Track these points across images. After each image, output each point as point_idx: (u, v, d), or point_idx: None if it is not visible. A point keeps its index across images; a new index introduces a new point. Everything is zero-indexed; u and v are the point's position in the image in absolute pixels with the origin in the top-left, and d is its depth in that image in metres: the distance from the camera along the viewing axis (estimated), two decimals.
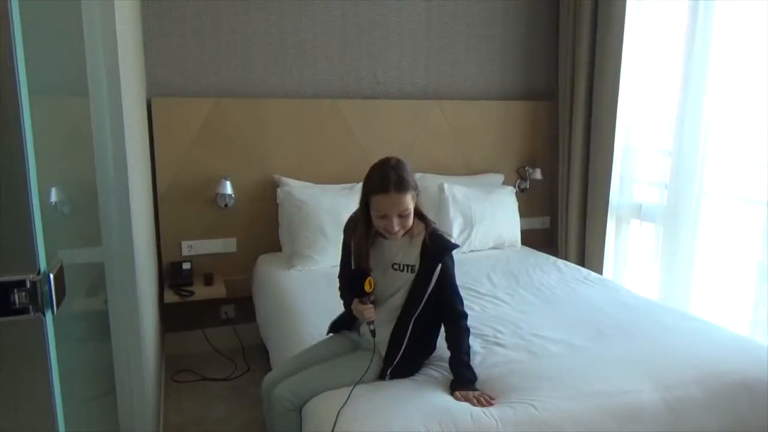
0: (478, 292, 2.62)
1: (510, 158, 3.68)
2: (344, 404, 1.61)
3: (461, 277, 2.76)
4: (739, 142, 2.70)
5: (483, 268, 2.97)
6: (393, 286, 1.85)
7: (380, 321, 1.82)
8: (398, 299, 1.84)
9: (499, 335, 2.10)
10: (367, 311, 1.78)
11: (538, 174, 3.66)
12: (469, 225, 3.25)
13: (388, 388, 1.75)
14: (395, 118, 3.37)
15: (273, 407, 1.73)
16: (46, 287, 0.76)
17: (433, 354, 1.95)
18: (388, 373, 1.80)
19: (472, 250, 3.27)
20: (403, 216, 1.74)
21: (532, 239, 3.63)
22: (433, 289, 1.80)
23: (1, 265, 0.75)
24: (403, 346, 1.81)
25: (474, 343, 2.01)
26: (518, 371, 1.84)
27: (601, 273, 3.30)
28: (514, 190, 3.54)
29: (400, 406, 1.65)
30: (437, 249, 1.80)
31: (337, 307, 2.03)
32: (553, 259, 3.18)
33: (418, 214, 1.83)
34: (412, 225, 1.81)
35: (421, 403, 1.66)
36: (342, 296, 2.00)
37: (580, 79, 3.41)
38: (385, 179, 1.72)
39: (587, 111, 3.44)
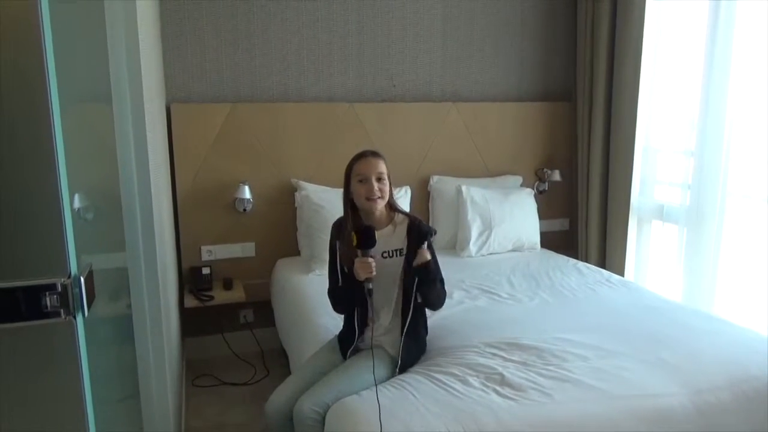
0: (498, 294, 2.59)
1: (528, 160, 3.65)
2: (379, 411, 1.60)
3: (481, 280, 2.78)
4: (764, 142, 2.64)
5: (503, 270, 2.94)
6: (388, 274, 1.94)
7: (385, 312, 1.96)
8: (397, 286, 1.95)
9: (521, 339, 2.08)
10: (369, 266, 1.81)
11: (557, 175, 3.62)
12: (488, 227, 3.23)
13: (409, 389, 1.74)
14: (412, 120, 3.36)
15: (301, 423, 1.73)
16: (77, 290, 0.77)
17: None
18: (398, 366, 1.89)
19: (491, 253, 3.25)
20: (380, 180, 1.90)
21: (551, 241, 3.59)
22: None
23: (32, 269, 0.76)
24: (407, 327, 1.92)
25: (495, 347, 2.00)
26: (543, 374, 1.81)
27: (622, 275, 3.26)
28: (533, 192, 3.51)
29: (421, 406, 1.64)
30: (420, 229, 1.95)
31: None
32: (573, 261, 3.15)
33: (397, 208, 2.02)
34: (393, 216, 1.99)
35: (443, 404, 1.65)
36: (337, 308, 2.04)
37: (599, 79, 3.38)
38: (362, 151, 1.97)
39: (606, 111, 3.40)
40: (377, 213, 1.94)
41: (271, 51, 3.16)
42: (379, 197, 1.90)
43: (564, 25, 3.65)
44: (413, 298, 1.91)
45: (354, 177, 1.92)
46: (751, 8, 2.63)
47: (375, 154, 1.95)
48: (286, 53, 3.19)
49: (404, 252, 1.94)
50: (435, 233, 2.02)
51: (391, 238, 1.96)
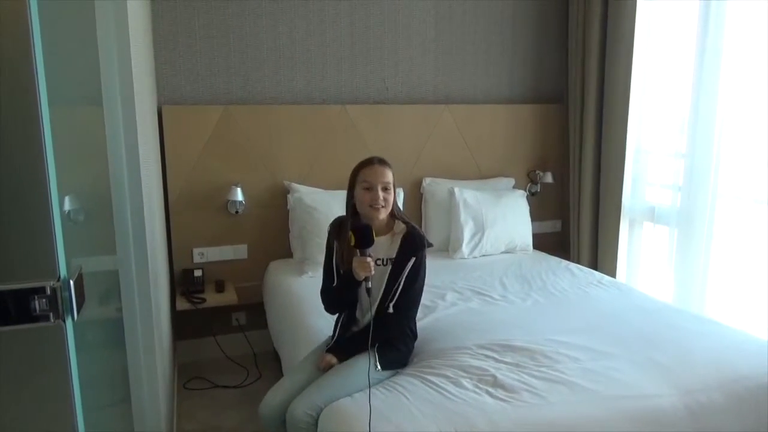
0: (490, 296, 2.60)
1: (520, 162, 3.66)
2: (370, 413, 1.59)
3: (473, 281, 2.78)
4: (754, 143, 2.67)
5: (495, 272, 2.95)
6: (378, 281, 1.92)
7: (368, 316, 1.92)
8: (381, 293, 1.94)
9: (513, 340, 2.08)
10: (368, 265, 1.81)
11: (549, 177, 3.64)
12: (480, 229, 3.24)
13: (401, 391, 1.74)
14: (405, 122, 3.37)
15: (295, 427, 1.72)
16: (66, 294, 0.76)
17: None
18: (378, 363, 1.86)
19: (483, 255, 3.25)
20: (386, 189, 1.90)
21: (543, 243, 3.61)
22: (407, 279, 1.91)
23: (21, 272, 0.75)
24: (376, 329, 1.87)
25: (487, 348, 2.00)
26: (535, 375, 1.82)
27: (614, 276, 3.28)
28: (525, 194, 3.52)
29: (414, 408, 1.64)
30: (414, 243, 1.93)
31: None
32: (565, 262, 3.16)
33: (401, 217, 2.00)
34: (394, 225, 1.97)
35: (435, 406, 1.65)
36: (329, 308, 2.03)
37: (590, 81, 3.40)
38: (369, 158, 1.97)
39: (598, 113, 3.42)
40: (379, 221, 1.93)
41: (264, 53, 3.16)
42: (382, 206, 1.90)
43: (555, 27, 3.67)
44: (385, 307, 1.91)
45: (359, 183, 1.92)
46: (741, 11, 2.66)
47: (383, 162, 1.95)
48: (278, 55, 3.18)
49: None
50: (431, 246, 2.00)
51: (389, 246, 1.95)
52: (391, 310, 1.91)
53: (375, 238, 1.87)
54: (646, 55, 3.19)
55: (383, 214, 1.92)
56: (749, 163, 2.70)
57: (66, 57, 1.12)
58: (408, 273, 1.91)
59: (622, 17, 3.18)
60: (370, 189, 1.89)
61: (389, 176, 1.92)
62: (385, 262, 1.94)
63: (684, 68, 2.95)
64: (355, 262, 1.83)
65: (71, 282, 0.77)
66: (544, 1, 3.62)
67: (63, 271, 0.77)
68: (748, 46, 2.66)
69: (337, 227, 2.00)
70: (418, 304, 2.01)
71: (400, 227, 1.97)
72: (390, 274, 1.92)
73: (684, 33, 2.97)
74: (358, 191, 1.92)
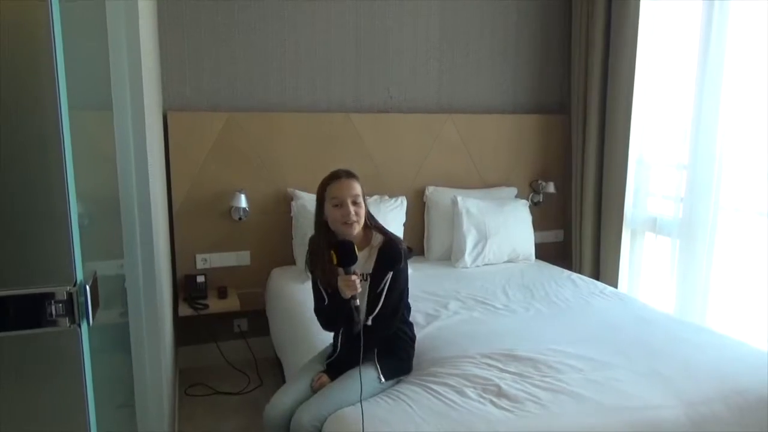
0: (493, 305, 2.60)
1: (523, 172, 3.68)
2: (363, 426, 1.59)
3: (476, 290, 2.78)
4: (756, 155, 2.68)
5: (498, 281, 2.95)
6: (362, 296, 1.88)
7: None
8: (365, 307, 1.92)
9: (516, 350, 2.08)
10: (354, 283, 1.76)
11: (551, 187, 3.65)
12: (483, 238, 3.24)
13: (405, 400, 1.74)
14: (408, 131, 3.38)
15: None
16: (82, 298, 0.77)
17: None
18: (381, 375, 1.86)
19: (486, 264, 3.26)
20: (356, 203, 1.86)
21: (545, 253, 3.61)
22: (389, 291, 1.88)
23: (37, 276, 0.75)
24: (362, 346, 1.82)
25: (491, 358, 2.00)
26: (539, 385, 1.82)
27: (616, 286, 3.28)
28: (528, 204, 3.53)
29: (417, 417, 1.64)
30: (389, 257, 1.88)
31: None
32: (567, 272, 3.16)
33: (377, 227, 1.95)
34: (371, 237, 1.93)
35: (439, 415, 1.65)
36: (328, 327, 2.00)
37: (593, 92, 3.42)
38: (335, 172, 1.92)
39: (600, 124, 3.44)
40: (354, 236, 1.87)
41: (269, 60, 3.18)
42: (355, 221, 1.84)
43: (558, 37, 3.69)
44: (365, 320, 1.87)
45: (329, 200, 1.87)
46: (744, 20, 2.68)
47: (349, 175, 1.90)
48: (283, 63, 3.20)
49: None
50: (411, 254, 1.95)
51: (367, 261, 1.90)
52: (369, 322, 1.87)
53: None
54: (648, 65, 3.21)
55: (357, 229, 1.86)
56: (751, 175, 2.71)
57: (77, 62, 1.13)
58: (387, 287, 1.87)
59: (626, 28, 3.20)
60: (340, 205, 1.84)
61: (357, 188, 1.87)
62: (365, 278, 1.89)
63: (686, 79, 2.97)
64: (341, 282, 1.78)
65: (87, 287, 0.78)
66: (547, 10, 3.65)
67: (80, 276, 0.77)
68: (750, 59, 2.67)
69: (314, 253, 1.93)
70: (399, 313, 1.93)
71: (377, 239, 1.92)
72: (369, 289, 1.88)
73: (686, 44, 2.99)
74: (328, 208, 1.87)
